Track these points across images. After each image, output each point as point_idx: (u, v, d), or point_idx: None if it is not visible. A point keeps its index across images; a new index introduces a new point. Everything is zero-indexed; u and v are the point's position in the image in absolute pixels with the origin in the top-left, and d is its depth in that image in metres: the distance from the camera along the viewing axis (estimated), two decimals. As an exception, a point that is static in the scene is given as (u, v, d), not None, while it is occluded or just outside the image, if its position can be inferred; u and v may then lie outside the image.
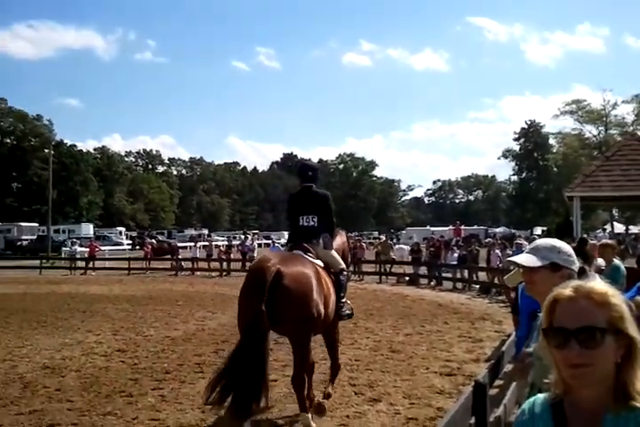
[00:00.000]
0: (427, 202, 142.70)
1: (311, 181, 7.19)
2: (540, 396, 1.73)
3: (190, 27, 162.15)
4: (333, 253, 7.07)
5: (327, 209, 7.08)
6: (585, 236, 7.40)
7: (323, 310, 6.27)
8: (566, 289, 1.61)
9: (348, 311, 7.16)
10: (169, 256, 32.81)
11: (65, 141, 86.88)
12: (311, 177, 7.22)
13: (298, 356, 6.26)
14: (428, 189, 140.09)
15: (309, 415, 6.30)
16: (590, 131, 63.48)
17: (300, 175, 7.36)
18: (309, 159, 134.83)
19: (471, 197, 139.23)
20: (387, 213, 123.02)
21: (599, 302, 1.56)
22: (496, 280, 19.94)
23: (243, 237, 36.13)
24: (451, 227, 50.08)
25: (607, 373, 1.55)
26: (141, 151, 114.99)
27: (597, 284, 1.64)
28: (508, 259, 3.13)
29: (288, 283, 5.91)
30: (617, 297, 1.59)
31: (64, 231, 64.08)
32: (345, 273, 7.29)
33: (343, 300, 7.02)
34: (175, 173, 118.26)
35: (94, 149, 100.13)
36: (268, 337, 6.00)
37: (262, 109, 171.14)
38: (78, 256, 33.71)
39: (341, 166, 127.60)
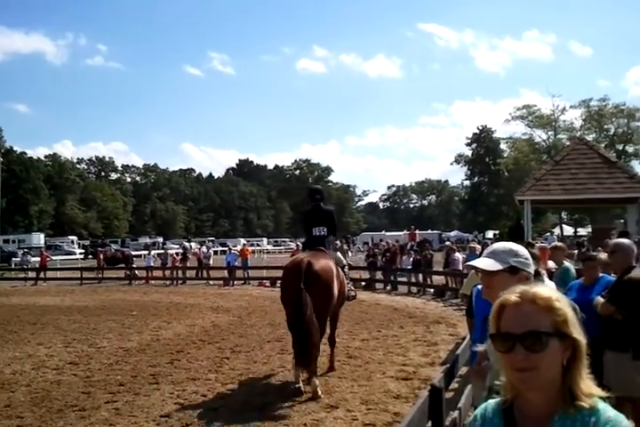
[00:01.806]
0: (382, 207, 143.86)
1: (319, 200, 9.40)
2: (492, 401, 1.75)
3: (142, 32, 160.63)
4: (338, 253, 9.75)
5: (332, 221, 9.39)
6: (531, 240, 7.58)
7: (338, 290, 8.70)
8: (512, 295, 1.63)
9: (352, 293, 9.89)
10: (123, 265, 32.22)
11: (14, 149, 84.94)
12: (319, 198, 9.42)
13: (322, 322, 8.30)
14: (383, 195, 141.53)
15: (316, 381, 7.90)
16: (540, 135, 64.87)
17: (310, 197, 9.54)
18: (265, 166, 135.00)
19: (425, 202, 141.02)
20: (342, 219, 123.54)
21: (543, 307, 1.59)
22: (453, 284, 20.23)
23: (188, 244, 35.69)
24: (405, 231, 50.59)
25: (553, 376, 1.57)
26: (94, 158, 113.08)
27: (542, 289, 1.66)
28: (468, 263, 3.06)
29: (317, 270, 8.19)
30: (561, 301, 1.62)
31: (14, 241, 62.52)
32: (347, 267, 10.20)
33: (349, 285, 9.68)
34: (129, 180, 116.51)
35: (45, 157, 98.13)
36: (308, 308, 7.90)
37: (216, 115, 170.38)
38: (29, 266, 32.87)
39: (297, 172, 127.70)
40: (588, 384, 1.58)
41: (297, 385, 8.07)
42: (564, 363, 1.58)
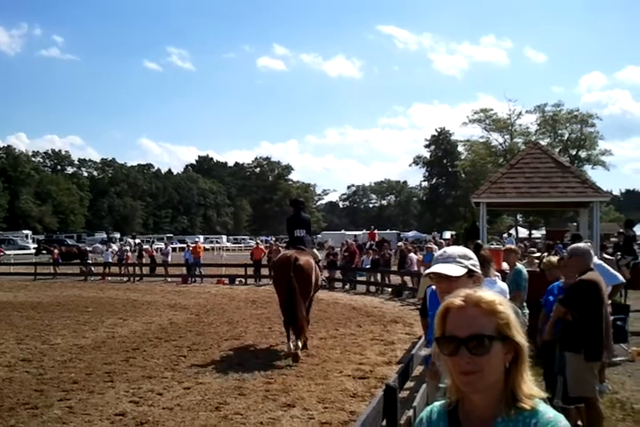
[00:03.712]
0: (341, 206, 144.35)
1: (301, 209, 12.07)
2: (437, 403, 1.79)
3: (99, 23, 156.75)
4: (314, 250, 12.29)
5: (309, 226, 11.98)
6: (479, 242, 7.72)
7: (315, 280, 11.21)
8: (457, 298, 1.67)
9: (324, 283, 14.00)
10: (78, 261, 31.66)
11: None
12: (301, 207, 12.16)
13: (299, 303, 10.61)
14: (343, 194, 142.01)
15: (299, 344, 10.33)
16: (496, 139, 65.93)
17: (293, 206, 12.25)
18: (226, 163, 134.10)
19: (384, 202, 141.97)
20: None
21: (487, 311, 1.63)
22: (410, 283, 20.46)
23: (132, 241, 35.19)
24: (365, 231, 50.94)
25: (497, 378, 1.62)
26: (50, 151, 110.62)
27: (486, 292, 1.70)
28: (431, 270, 3.01)
29: (301, 264, 10.70)
30: (504, 305, 1.66)
31: (-35, 235, 60.87)
32: (320, 262, 12.64)
33: (321, 276, 12.35)
34: (85, 174, 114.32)
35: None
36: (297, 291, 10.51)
37: (175, 111, 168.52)
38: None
39: (258, 170, 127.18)
40: (529, 386, 1.63)
41: (292, 351, 10.16)
42: (507, 365, 1.62)
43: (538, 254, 14.10)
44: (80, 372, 9.26)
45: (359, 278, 23.61)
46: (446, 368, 1.66)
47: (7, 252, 37.61)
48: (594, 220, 14.20)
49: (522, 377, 1.63)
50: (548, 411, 1.62)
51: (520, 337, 1.64)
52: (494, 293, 1.73)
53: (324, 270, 25.23)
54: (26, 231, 70.05)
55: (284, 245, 17.53)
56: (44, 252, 34.57)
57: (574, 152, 61.71)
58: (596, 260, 8.63)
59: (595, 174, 59.54)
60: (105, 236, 71.37)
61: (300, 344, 10.32)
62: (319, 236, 71.73)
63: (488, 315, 1.62)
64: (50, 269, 30.63)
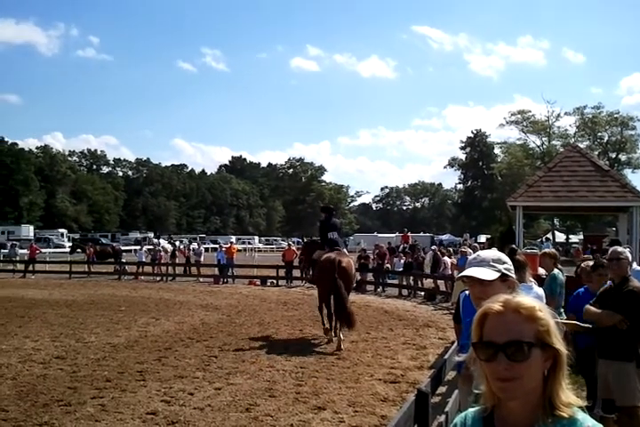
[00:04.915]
0: (374, 208, 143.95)
1: (332, 214, 13.54)
2: (472, 409, 1.75)
3: (135, 24, 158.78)
4: (345, 250, 13.34)
5: (340, 229, 13.61)
6: (514, 246, 7.55)
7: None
8: (495, 303, 1.63)
9: (357, 279, 15.68)
10: (112, 260, 32.07)
11: (6, 139, 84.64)
12: (332, 213, 13.63)
13: (346, 300, 12.01)
14: (376, 196, 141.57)
15: (342, 337, 11.59)
16: (534, 141, 65.17)
17: (325, 212, 13.53)
18: (259, 163, 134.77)
19: (418, 205, 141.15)
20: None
21: (527, 317, 1.59)
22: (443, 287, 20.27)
23: (157, 241, 35.34)
24: (398, 234, 50.72)
25: (535, 385, 1.57)
26: (85, 151, 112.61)
27: (525, 298, 1.66)
28: (464, 274, 2.96)
29: (344, 265, 12.15)
30: (544, 311, 1.62)
31: (3, 233, 62.26)
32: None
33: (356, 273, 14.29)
34: (121, 174, 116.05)
35: (36, 148, 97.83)
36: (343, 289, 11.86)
37: (209, 111, 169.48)
38: (18, 259, 32.72)
39: (290, 171, 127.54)
40: (567, 394, 1.59)
41: (330, 337, 11.94)
42: (545, 373, 1.58)
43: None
44: (113, 370, 9.34)
45: (391, 282, 23.45)
46: (482, 374, 1.62)
47: (43, 250, 38.24)
48: (634, 225, 13.88)
49: (560, 385, 1.59)
50: (586, 420, 1.57)
51: (560, 344, 1.60)
52: (533, 298, 1.69)
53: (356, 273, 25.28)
54: (61, 230, 71.19)
55: (304, 244, 18.02)
56: (79, 250, 35.02)
57: (614, 155, 60.62)
58: (635, 266, 8.42)
59: (635, 178, 58.73)
60: (139, 235, 72.16)
61: (342, 337, 11.52)
62: (351, 238, 71.62)
63: (527, 321, 1.59)
64: (84, 267, 31.08)
